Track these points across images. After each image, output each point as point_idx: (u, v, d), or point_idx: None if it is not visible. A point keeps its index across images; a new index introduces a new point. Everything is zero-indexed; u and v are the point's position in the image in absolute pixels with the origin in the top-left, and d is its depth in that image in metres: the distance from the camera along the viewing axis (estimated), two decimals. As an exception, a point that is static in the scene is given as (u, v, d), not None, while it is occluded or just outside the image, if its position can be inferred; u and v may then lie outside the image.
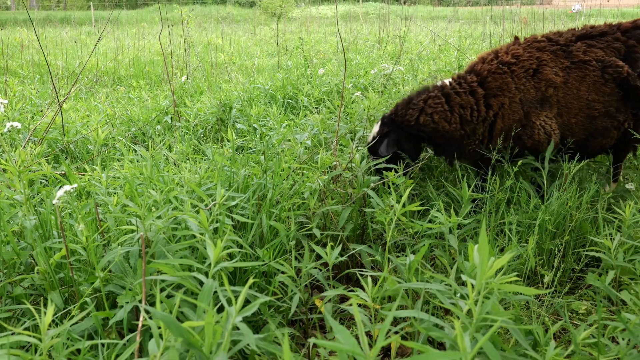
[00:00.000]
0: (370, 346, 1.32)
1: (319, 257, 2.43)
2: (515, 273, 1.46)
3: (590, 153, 3.17)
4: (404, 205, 2.07)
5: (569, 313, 2.20)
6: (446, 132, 2.95)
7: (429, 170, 3.49)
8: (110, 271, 1.86)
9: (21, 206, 2.06)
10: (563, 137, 3.01)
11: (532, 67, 2.92)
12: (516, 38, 3.11)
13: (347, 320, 2.18)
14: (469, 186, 2.89)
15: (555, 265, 2.27)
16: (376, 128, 3.07)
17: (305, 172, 2.93)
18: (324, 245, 2.54)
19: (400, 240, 2.50)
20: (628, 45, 2.99)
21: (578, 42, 3.00)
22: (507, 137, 2.93)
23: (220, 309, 1.76)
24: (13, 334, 1.48)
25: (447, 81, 3.05)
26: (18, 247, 1.98)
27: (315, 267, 2.13)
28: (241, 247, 2.16)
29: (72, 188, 1.89)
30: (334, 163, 2.89)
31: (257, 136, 4.05)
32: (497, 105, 2.91)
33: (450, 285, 1.60)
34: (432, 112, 2.92)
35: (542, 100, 2.92)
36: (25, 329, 1.76)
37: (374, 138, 3.06)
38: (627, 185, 3.10)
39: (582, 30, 3.06)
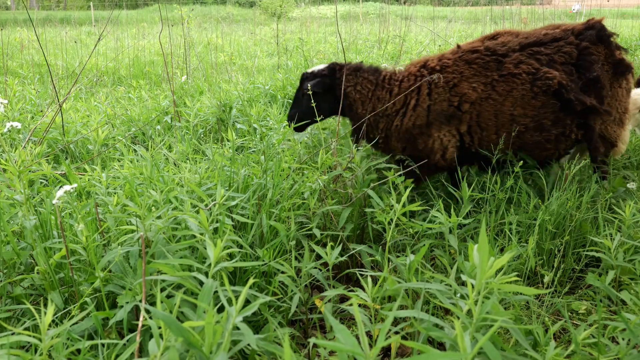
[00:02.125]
0: (371, 346, 1.32)
1: (319, 257, 2.43)
2: (515, 273, 1.46)
3: (540, 162, 3.07)
4: (404, 205, 2.07)
5: (569, 313, 2.20)
6: (357, 113, 3.14)
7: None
8: (110, 271, 1.86)
9: (21, 206, 2.06)
10: (487, 150, 2.97)
11: (454, 81, 2.92)
12: (458, 46, 3.10)
13: (347, 320, 2.17)
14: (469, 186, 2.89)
15: (555, 265, 2.27)
16: (322, 67, 3.23)
17: (305, 172, 2.93)
18: (324, 245, 2.54)
19: (400, 240, 2.50)
20: (580, 48, 2.91)
21: (521, 51, 2.92)
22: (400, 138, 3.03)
23: (221, 309, 1.76)
24: (13, 334, 1.48)
25: (389, 71, 3.16)
26: (18, 247, 1.98)
27: (315, 267, 2.13)
28: (241, 247, 2.16)
29: (72, 188, 1.89)
30: (334, 163, 2.89)
31: (257, 136, 4.05)
32: (399, 104, 3.01)
33: (450, 285, 1.61)
34: (359, 90, 3.11)
35: (451, 116, 2.92)
36: (25, 329, 1.76)
37: (313, 72, 3.21)
38: (628, 185, 3.10)
39: (535, 35, 3.00)
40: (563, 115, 2.89)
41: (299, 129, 3.29)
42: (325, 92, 3.17)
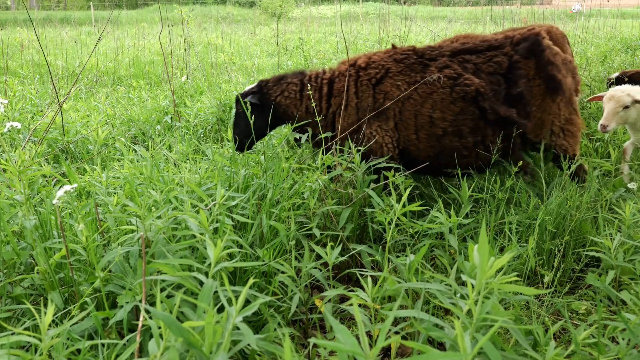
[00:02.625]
0: (371, 346, 1.32)
1: (319, 257, 2.43)
2: (515, 273, 1.46)
3: (467, 167, 3.02)
4: (404, 205, 2.07)
5: (569, 313, 2.20)
6: (294, 115, 3.18)
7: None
8: (110, 271, 1.86)
9: (21, 206, 2.06)
10: (409, 152, 3.00)
11: (377, 77, 2.99)
12: (393, 46, 3.15)
13: (347, 320, 2.17)
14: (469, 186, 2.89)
15: (555, 265, 2.27)
16: (253, 86, 3.30)
17: (305, 172, 2.93)
18: (324, 245, 2.54)
19: (400, 240, 2.50)
20: (513, 60, 2.91)
21: (451, 57, 2.96)
22: (346, 137, 3.03)
23: (221, 309, 1.76)
24: (13, 334, 1.48)
25: (318, 71, 3.23)
26: (18, 247, 1.98)
27: (315, 267, 2.13)
28: (241, 247, 2.16)
29: (72, 188, 1.89)
30: (334, 163, 2.89)
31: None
32: (335, 106, 3.06)
33: (450, 285, 1.61)
34: (286, 95, 3.17)
35: (379, 113, 2.98)
36: (25, 329, 1.76)
37: (245, 92, 3.27)
38: (629, 185, 3.10)
39: (474, 42, 3.01)
40: (483, 124, 2.90)
41: (246, 149, 3.28)
42: (261, 108, 3.18)
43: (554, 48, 2.97)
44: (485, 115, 2.87)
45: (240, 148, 3.25)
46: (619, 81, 4.86)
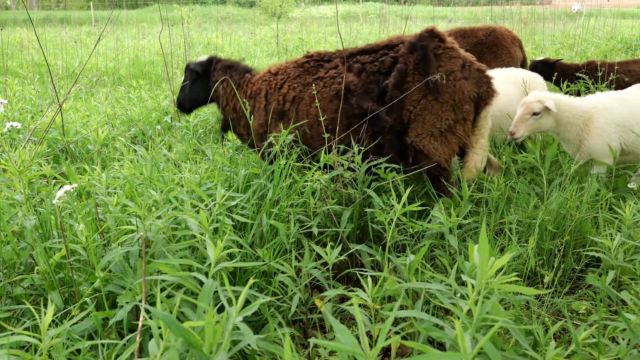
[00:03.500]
0: (371, 346, 1.32)
1: (319, 257, 2.43)
2: (515, 273, 1.46)
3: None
4: (404, 205, 2.07)
5: (569, 313, 2.20)
6: (223, 108, 3.45)
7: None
8: (110, 271, 1.86)
9: (21, 206, 2.06)
10: (313, 148, 3.11)
11: (281, 82, 3.19)
12: (308, 53, 3.32)
13: (347, 320, 2.17)
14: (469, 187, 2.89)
15: (555, 265, 2.27)
16: (204, 58, 3.55)
17: (305, 172, 2.93)
18: (324, 245, 2.53)
19: (400, 240, 2.50)
20: (397, 56, 2.91)
21: (347, 58, 3.05)
22: (258, 137, 3.22)
23: (221, 309, 1.76)
24: (13, 334, 1.48)
25: (251, 75, 3.42)
26: (18, 247, 1.98)
27: (315, 267, 2.13)
28: (241, 247, 2.16)
29: (72, 188, 1.89)
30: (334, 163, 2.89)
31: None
32: (251, 107, 3.26)
33: (450, 285, 1.60)
34: (224, 87, 3.41)
35: (281, 113, 3.16)
36: (25, 329, 1.76)
37: (196, 61, 3.55)
38: (629, 185, 3.10)
39: (373, 44, 3.09)
40: (357, 121, 2.94)
41: (185, 111, 3.66)
42: (202, 79, 3.48)
43: (448, 48, 2.89)
44: (354, 111, 2.95)
45: (180, 109, 3.64)
46: (532, 67, 4.84)
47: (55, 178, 2.84)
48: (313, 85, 3.04)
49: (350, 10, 17.80)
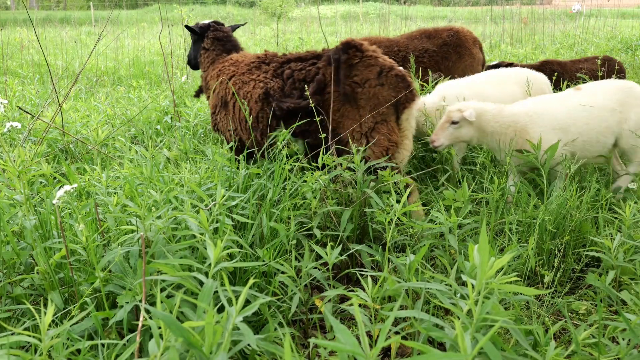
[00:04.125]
0: (371, 346, 1.32)
1: (319, 257, 2.43)
2: (515, 273, 1.46)
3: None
4: (404, 205, 2.07)
5: (569, 313, 2.20)
6: (203, 72, 3.82)
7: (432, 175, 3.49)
8: (110, 271, 1.86)
9: (21, 206, 2.06)
10: (242, 141, 3.39)
11: (232, 74, 3.44)
12: (265, 51, 3.51)
13: (347, 320, 2.17)
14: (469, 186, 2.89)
15: (555, 265, 2.27)
16: (206, 22, 3.87)
17: (305, 172, 2.93)
18: (324, 245, 2.53)
19: (400, 240, 2.50)
20: (319, 67, 3.08)
21: (282, 63, 3.26)
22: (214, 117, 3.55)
23: (221, 309, 1.76)
24: (13, 334, 1.48)
25: (229, 57, 3.65)
26: (18, 247, 1.98)
27: (315, 267, 2.13)
28: (241, 247, 2.16)
29: (72, 188, 1.89)
30: (334, 163, 2.89)
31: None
32: (213, 86, 3.54)
33: (451, 285, 1.60)
34: (205, 56, 3.77)
35: (225, 103, 3.43)
36: (25, 329, 1.76)
37: (201, 24, 3.87)
38: (629, 185, 3.09)
39: (311, 52, 3.26)
40: (275, 122, 3.16)
41: (192, 67, 4.02)
42: (198, 42, 3.85)
43: (366, 57, 3.00)
44: (275, 113, 3.13)
45: (189, 64, 4.03)
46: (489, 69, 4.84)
47: (55, 178, 2.84)
48: (247, 84, 3.29)
49: (350, 10, 17.79)
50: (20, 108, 3.12)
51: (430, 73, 4.76)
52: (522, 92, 3.76)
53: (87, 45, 11.07)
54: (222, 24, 3.88)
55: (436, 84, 4.18)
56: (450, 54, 4.86)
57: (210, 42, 3.73)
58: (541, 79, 3.95)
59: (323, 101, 3.04)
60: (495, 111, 3.07)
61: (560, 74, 4.28)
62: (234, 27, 4.00)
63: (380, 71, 2.97)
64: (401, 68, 3.06)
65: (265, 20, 18.77)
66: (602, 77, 4.63)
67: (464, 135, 3.09)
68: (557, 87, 4.78)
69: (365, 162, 2.84)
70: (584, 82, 4.67)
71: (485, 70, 4.89)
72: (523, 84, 3.78)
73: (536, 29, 10.99)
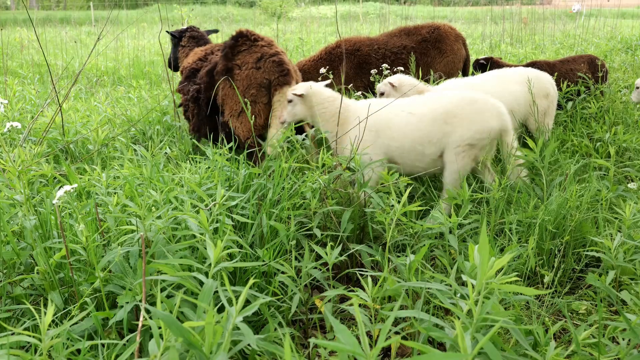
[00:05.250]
0: (371, 346, 1.32)
1: (319, 257, 2.43)
2: (516, 273, 1.46)
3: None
4: (404, 205, 2.07)
5: (569, 313, 2.20)
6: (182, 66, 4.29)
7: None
8: (110, 271, 1.86)
9: (21, 206, 2.05)
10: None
11: (193, 64, 3.95)
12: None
13: (347, 320, 2.17)
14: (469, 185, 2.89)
15: (555, 265, 2.27)
16: (185, 28, 4.46)
17: (305, 172, 2.93)
18: (324, 245, 2.53)
19: (400, 240, 2.50)
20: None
21: (207, 53, 3.89)
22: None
23: (221, 309, 1.76)
24: (13, 334, 1.48)
25: (202, 51, 4.09)
26: (18, 247, 1.98)
27: (315, 267, 2.13)
28: (241, 247, 2.15)
29: (72, 188, 1.89)
30: (334, 163, 2.89)
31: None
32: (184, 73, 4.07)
33: (451, 285, 1.60)
34: (182, 53, 4.37)
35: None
36: (25, 329, 1.76)
37: (178, 30, 4.50)
38: (629, 185, 3.09)
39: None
40: (196, 104, 3.75)
41: (173, 70, 4.63)
42: (177, 44, 4.45)
43: (253, 45, 3.43)
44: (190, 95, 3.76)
45: (170, 67, 4.62)
46: (481, 66, 4.86)
47: (55, 178, 2.84)
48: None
49: (350, 10, 17.78)
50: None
51: (431, 72, 4.77)
52: (524, 91, 3.75)
53: (87, 45, 11.07)
54: (198, 28, 4.49)
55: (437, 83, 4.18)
56: (429, 49, 4.89)
57: (187, 40, 4.34)
58: (545, 78, 3.91)
59: (211, 83, 3.52)
60: (329, 98, 3.16)
61: (550, 74, 4.28)
62: (209, 32, 4.63)
63: (261, 57, 3.38)
64: (284, 56, 3.45)
65: (265, 20, 18.76)
66: (590, 77, 4.61)
67: (299, 112, 3.22)
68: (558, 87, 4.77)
69: (236, 141, 3.41)
70: (583, 82, 4.68)
71: (474, 65, 4.92)
72: (525, 83, 3.77)
73: (536, 29, 10.99)
